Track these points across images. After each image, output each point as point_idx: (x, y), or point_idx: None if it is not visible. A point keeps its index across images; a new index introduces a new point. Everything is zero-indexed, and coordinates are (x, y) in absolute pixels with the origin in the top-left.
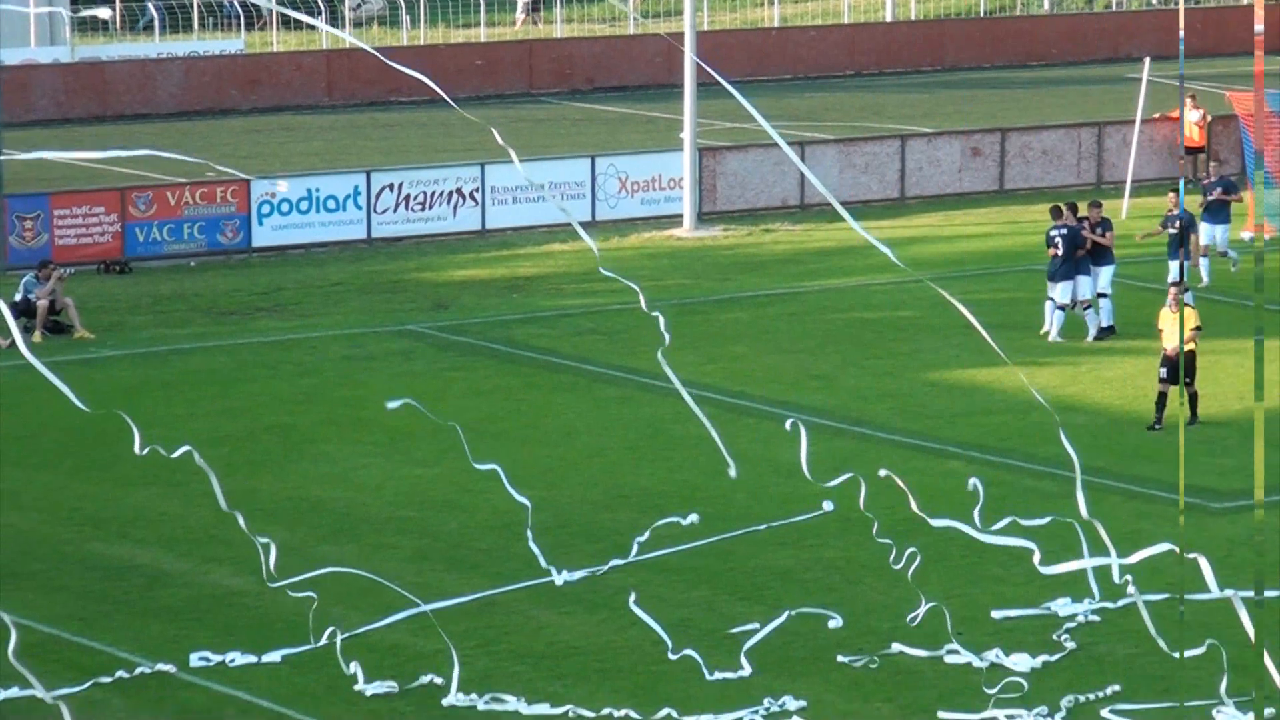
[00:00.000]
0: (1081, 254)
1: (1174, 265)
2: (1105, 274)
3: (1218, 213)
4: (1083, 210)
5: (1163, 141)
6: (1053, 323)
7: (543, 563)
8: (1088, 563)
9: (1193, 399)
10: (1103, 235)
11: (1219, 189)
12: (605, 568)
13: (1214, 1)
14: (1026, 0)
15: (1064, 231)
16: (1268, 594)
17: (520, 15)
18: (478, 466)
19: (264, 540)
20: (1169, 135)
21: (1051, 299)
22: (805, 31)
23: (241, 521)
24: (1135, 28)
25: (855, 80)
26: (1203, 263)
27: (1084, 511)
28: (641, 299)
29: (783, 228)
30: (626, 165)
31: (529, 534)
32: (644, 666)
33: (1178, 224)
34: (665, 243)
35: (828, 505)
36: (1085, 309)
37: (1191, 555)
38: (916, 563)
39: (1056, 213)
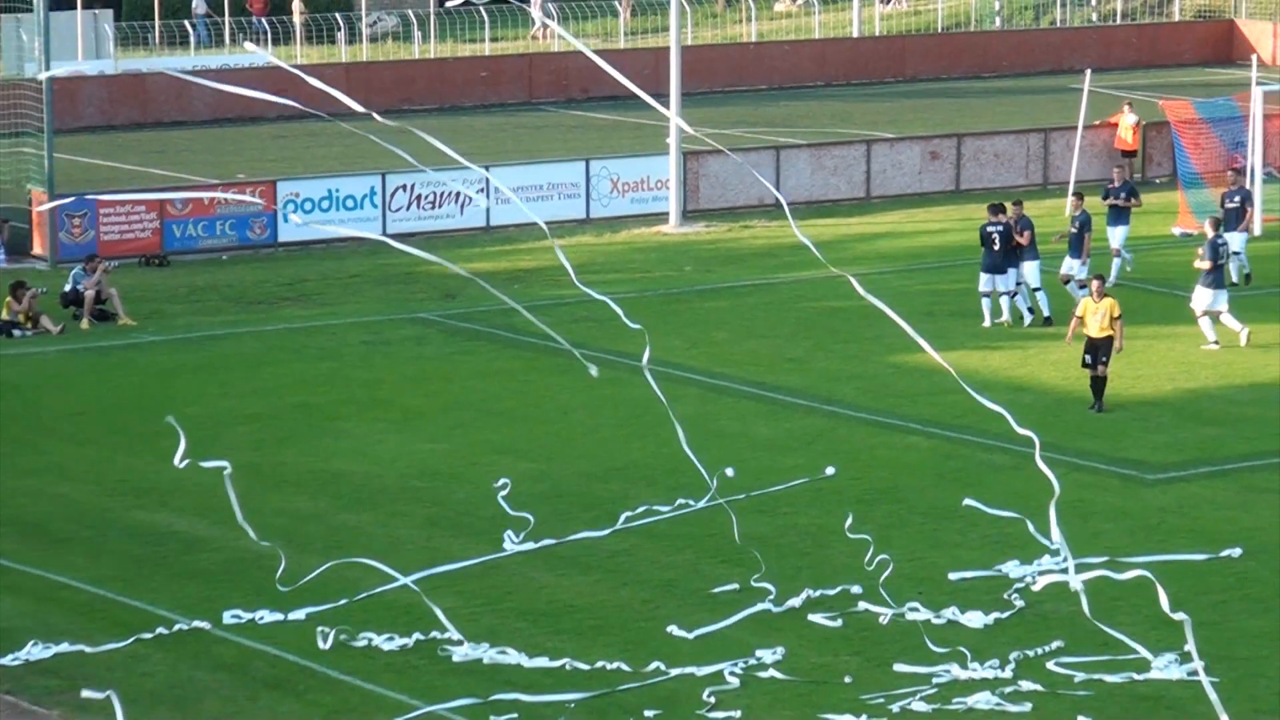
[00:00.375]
0: (1012, 247)
1: (1069, 261)
2: (1030, 269)
3: (1120, 215)
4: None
5: (1102, 146)
6: (1004, 310)
7: (518, 542)
8: (1072, 579)
9: (1101, 381)
10: (1020, 234)
11: (1123, 194)
12: (606, 532)
13: (1149, 19)
14: (980, 18)
15: (1000, 228)
16: (1195, 557)
17: (543, 27)
18: (496, 485)
19: (270, 543)
20: (1108, 140)
21: (985, 295)
22: (780, 46)
23: (251, 532)
24: (1078, 42)
25: (825, 90)
26: (1115, 263)
27: (1056, 534)
28: (620, 313)
29: (760, 224)
30: (618, 168)
31: (512, 537)
32: (634, 623)
33: (1077, 224)
34: (653, 238)
35: (829, 470)
36: (1013, 296)
37: (1175, 616)
38: (888, 571)
39: (994, 210)
